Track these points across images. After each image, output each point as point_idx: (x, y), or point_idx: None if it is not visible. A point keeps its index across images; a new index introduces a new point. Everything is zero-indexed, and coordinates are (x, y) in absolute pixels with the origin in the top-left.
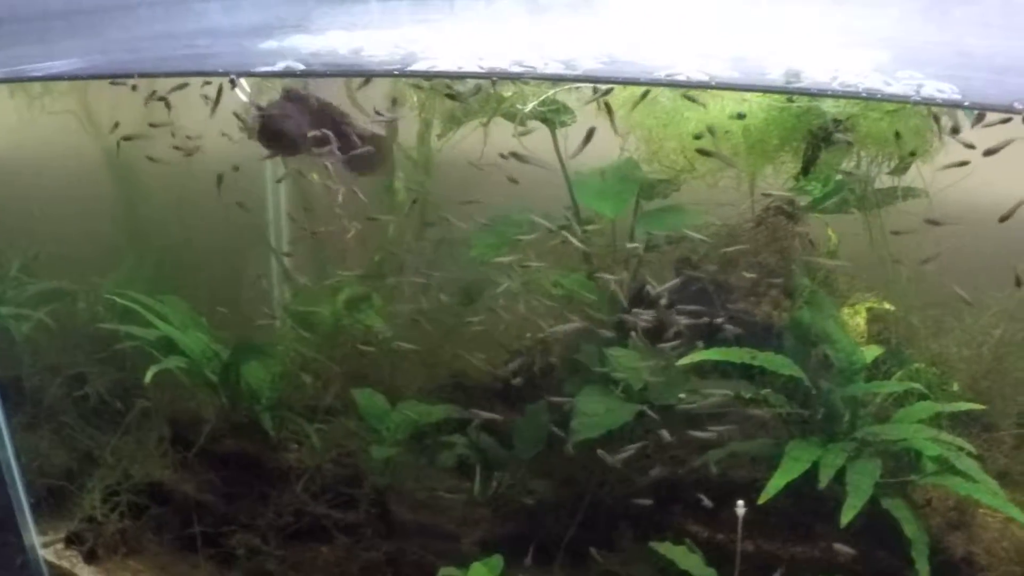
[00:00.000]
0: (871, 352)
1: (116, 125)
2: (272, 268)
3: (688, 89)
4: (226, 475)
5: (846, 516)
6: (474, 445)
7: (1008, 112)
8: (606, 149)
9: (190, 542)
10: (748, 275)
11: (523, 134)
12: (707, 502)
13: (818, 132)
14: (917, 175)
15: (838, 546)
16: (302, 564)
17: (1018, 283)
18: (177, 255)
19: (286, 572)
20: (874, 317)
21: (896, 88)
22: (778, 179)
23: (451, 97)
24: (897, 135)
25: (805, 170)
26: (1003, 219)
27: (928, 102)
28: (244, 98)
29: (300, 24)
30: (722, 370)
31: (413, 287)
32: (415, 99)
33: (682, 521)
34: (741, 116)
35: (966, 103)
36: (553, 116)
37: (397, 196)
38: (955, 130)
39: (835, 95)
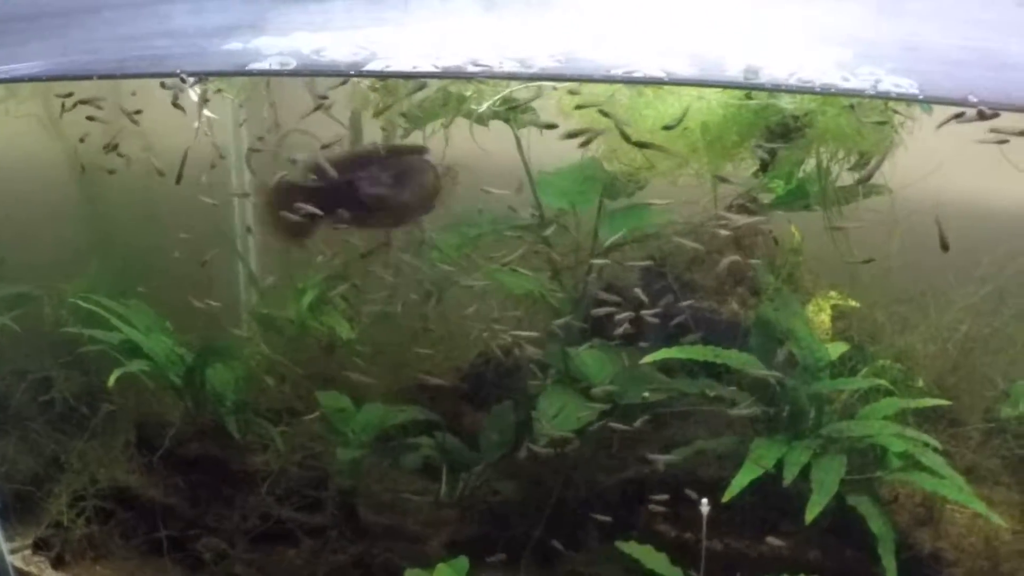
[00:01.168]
0: (836, 349)
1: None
2: (239, 271)
3: (644, 86)
4: (192, 479)
5: (811, 513)
6: (440, 447)
7: (962, 106)
8: (571, 148)
9: (157, 546)
10: (713, 273)
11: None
12: (694, 496)
13: (776, 129)
14: (888, 171)
15: (771, 539)
16: (268, 567)
17: (944, 246)
18: (143, 259)
19: (253, 575)
20: (840, 314)
21: (854, 83)
22: (741, 177)
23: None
24: (857, 132)
25: (764, 167)
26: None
27: (884, 96)
28: (195, 98)
29: (261, 25)
30: (689, 369)
31: (379, 289)
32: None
33: (650, 520)
34: (670, 127)
35: (921, 97)
36: (515, 116)
37: None
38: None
39: (791, 91)
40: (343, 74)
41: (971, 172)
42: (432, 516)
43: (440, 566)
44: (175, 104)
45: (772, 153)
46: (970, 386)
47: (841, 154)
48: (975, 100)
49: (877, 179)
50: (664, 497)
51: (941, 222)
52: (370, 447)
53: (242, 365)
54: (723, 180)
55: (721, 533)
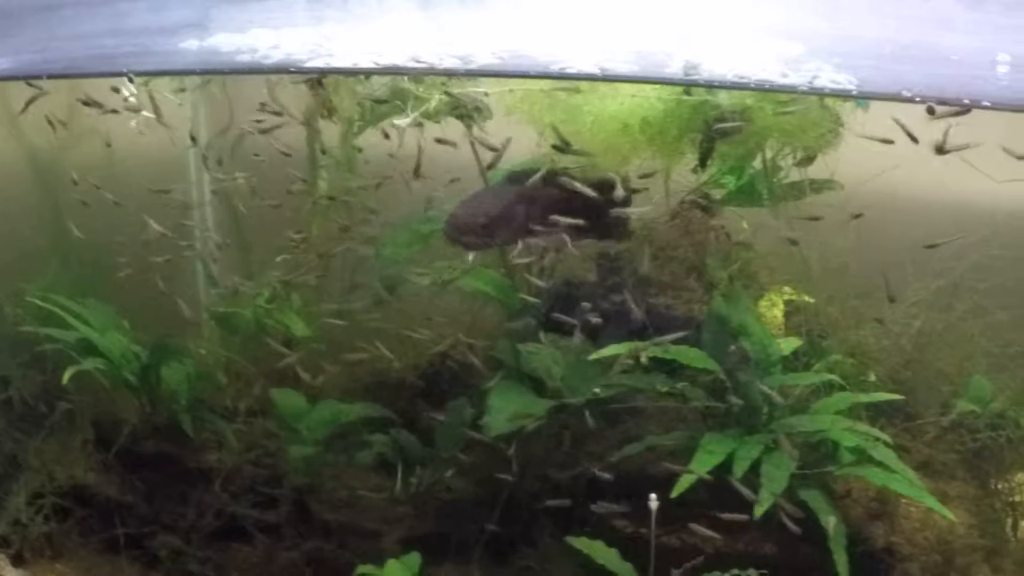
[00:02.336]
0: (788, 344)
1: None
2: (198, 270)
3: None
4: (148, 477)
5: (760, 508)
6: (395, 443)
7: (895, 100)
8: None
9: (114, 544)
10: (667, 269)
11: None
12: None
13: (713, 123)
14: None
15: (694, 526)
16: (223, 564)
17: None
18: (102, 258)
19: (208, 572)
20: (794, 309)
21: (791, 79)
22: (691, 173)
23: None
24: (798, 127)
25: (702, 161)
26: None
27: (818, 92)
28: (131, 98)
29: (219, 23)
30: (645, 366)
31: (335, 287)
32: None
33: (606, 516)
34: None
35: (855, 92)
36: (469, 114)
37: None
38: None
39: (726, 86)
40: (282, 71)
41: (925, 167)
42: (387, 513)
43: (391, 562)
44: (126, 106)
45: (710, 148)
46: (926, 381)
47: (789, 150)
48: (909, 95)
49: (828, 175)
50: (610, 507)
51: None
52: (323, 444)
53: (197, 363)
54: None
55: (677, 529)
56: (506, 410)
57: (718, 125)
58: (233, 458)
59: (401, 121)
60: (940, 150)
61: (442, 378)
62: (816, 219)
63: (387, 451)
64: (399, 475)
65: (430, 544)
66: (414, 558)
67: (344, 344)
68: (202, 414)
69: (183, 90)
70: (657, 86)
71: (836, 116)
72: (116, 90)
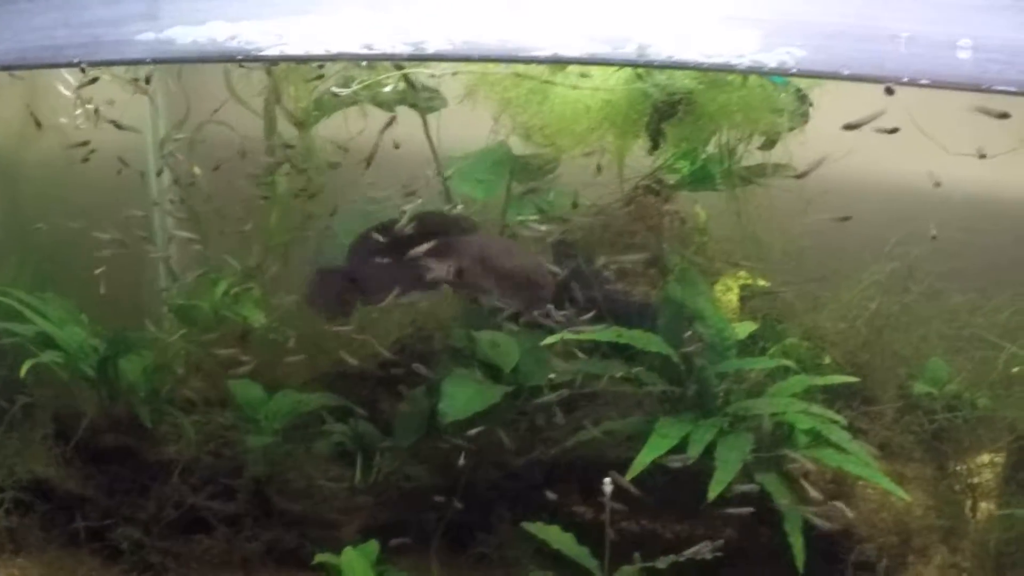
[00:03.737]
0: (744, 328)
1: None
2: (158, 262)
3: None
4: (108, 470)
5: (713, 491)
6: (354, 433)
7: (835, 79)
8: (483, 133)
9: (76, 537)
10: (622, 256)
11: None
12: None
13: (660, 107)
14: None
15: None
16: (184, 556)
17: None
18: (62, 252)
19: (169, 564)
20: (752, 293)
21: (731, 59)
22: (648, 158)
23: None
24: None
25: (653, 143)
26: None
27: (757, 71)
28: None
29: (175, 14)
30: (603, 351)
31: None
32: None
33: (564, 502)
34: None
35: (795, 71)
36: (423, 102)
37: (278, 188)
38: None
39: (664, 66)
40: (235, 59)
41: (882, 151)
42: (347, 502)
43: (347, 550)
44: (78, 98)
45: (659, 130)
46: (883, 363)
47: (743, 134)
48: (848, 73)
49: (784, 159)
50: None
51: None
52: (282, 434)
53: (155, 355)
54: None
55: (637, 514)
56: (460, 397)
57: (660, 104)
58: (192, 450)
59: (339, 90)
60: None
61: (402, 368)
62: (845, 219)
63: (346, 441)
64: (358, 464)
65: (389, 532)
66: (372, 546)
67: (305, 335)
68: (161, 406)
69: (138, 79)
70: (615, 70)
71: (804, 97)
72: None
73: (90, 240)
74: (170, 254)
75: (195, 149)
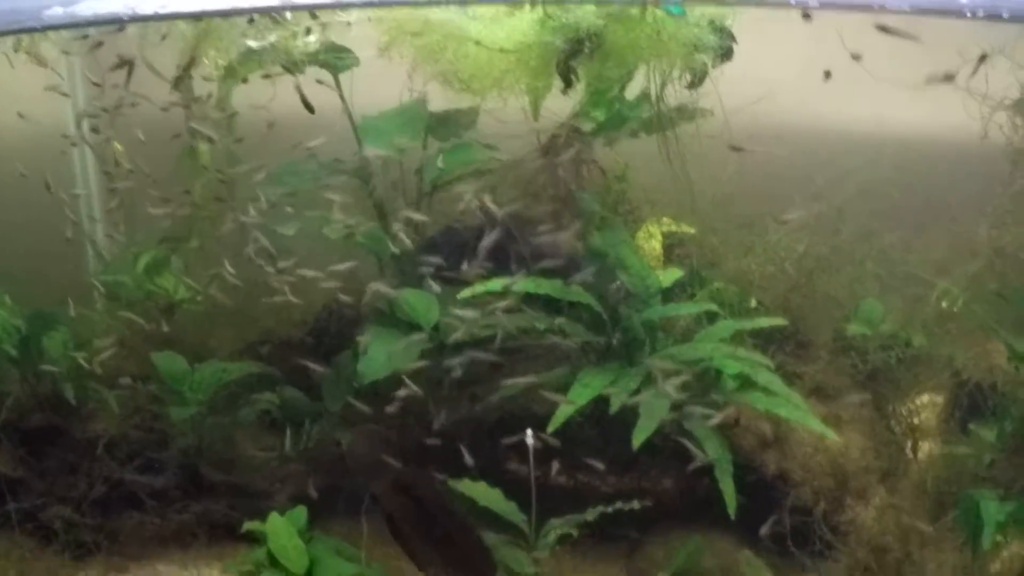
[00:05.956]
0: (668, 275)
1: None
2: (84, 239)
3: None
4: (37, 449)
5: (637, 438)
6: (282, 400)
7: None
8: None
9: (7, 520)
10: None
11: None
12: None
13: (567, 47)
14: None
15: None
16: (117, 532)
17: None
18: None
19: (101, 542)
20: (678, 240)
21: None
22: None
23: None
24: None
25: (566, 82)
26: None
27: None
28: None
29: None
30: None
31: (218, 249)
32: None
33: (501, 459)
34: None
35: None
36: (335, 60)
37: (201, 159)
38: None
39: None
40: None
41: (806, 93)
42: (277, 471)
43: (273, 516)
44: None
45: (570, 69)
46: (816, 306)
47: (663, 75)
48: None
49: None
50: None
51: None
52: (209, 406)
53: (78, 332)
54: None
55: (571, 468)
56: (380, 356)
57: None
58: (119, 425)
59: (252, 42)
60: None
61: (328, 333)
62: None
63: (273, 409)
64: (287, 433)
65: (321, 499)
66: (300, 512)
67: (232, 306)
68: (85, 383)
69: (67, 52)
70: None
71: (724, 31)
72: None
73: (14, 222)
74: (96, 231)
75: (116, 124)
